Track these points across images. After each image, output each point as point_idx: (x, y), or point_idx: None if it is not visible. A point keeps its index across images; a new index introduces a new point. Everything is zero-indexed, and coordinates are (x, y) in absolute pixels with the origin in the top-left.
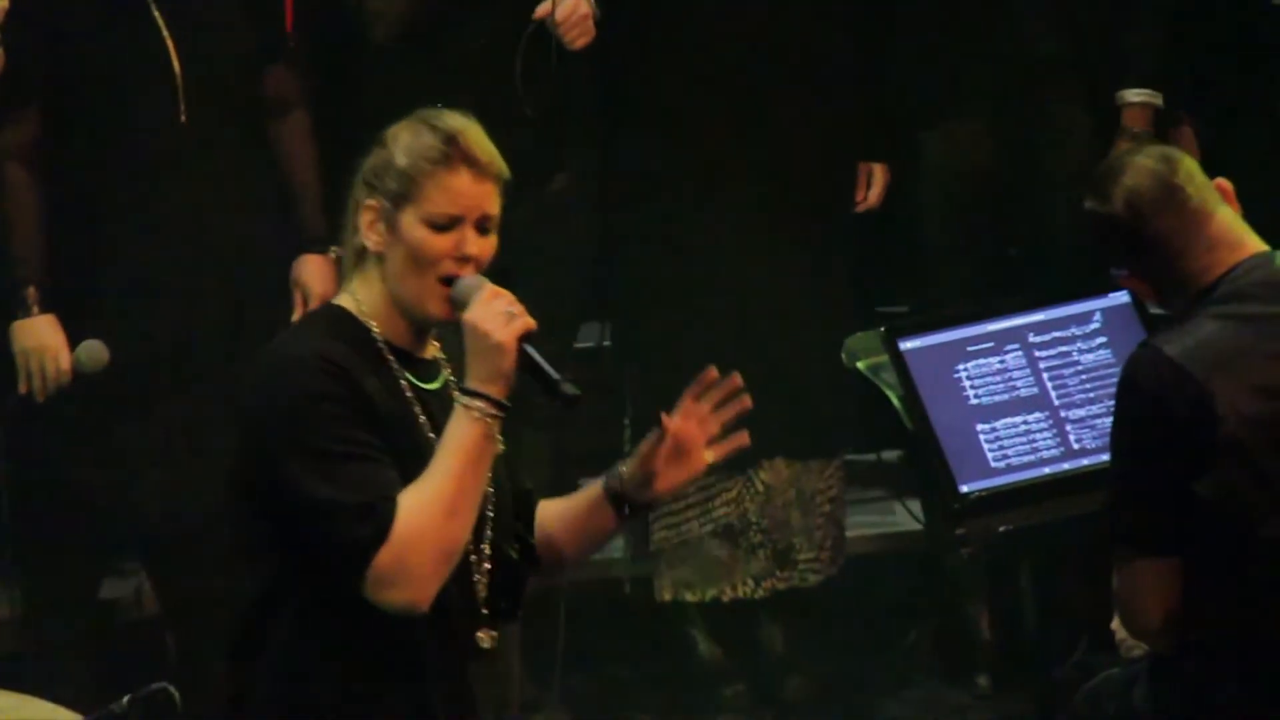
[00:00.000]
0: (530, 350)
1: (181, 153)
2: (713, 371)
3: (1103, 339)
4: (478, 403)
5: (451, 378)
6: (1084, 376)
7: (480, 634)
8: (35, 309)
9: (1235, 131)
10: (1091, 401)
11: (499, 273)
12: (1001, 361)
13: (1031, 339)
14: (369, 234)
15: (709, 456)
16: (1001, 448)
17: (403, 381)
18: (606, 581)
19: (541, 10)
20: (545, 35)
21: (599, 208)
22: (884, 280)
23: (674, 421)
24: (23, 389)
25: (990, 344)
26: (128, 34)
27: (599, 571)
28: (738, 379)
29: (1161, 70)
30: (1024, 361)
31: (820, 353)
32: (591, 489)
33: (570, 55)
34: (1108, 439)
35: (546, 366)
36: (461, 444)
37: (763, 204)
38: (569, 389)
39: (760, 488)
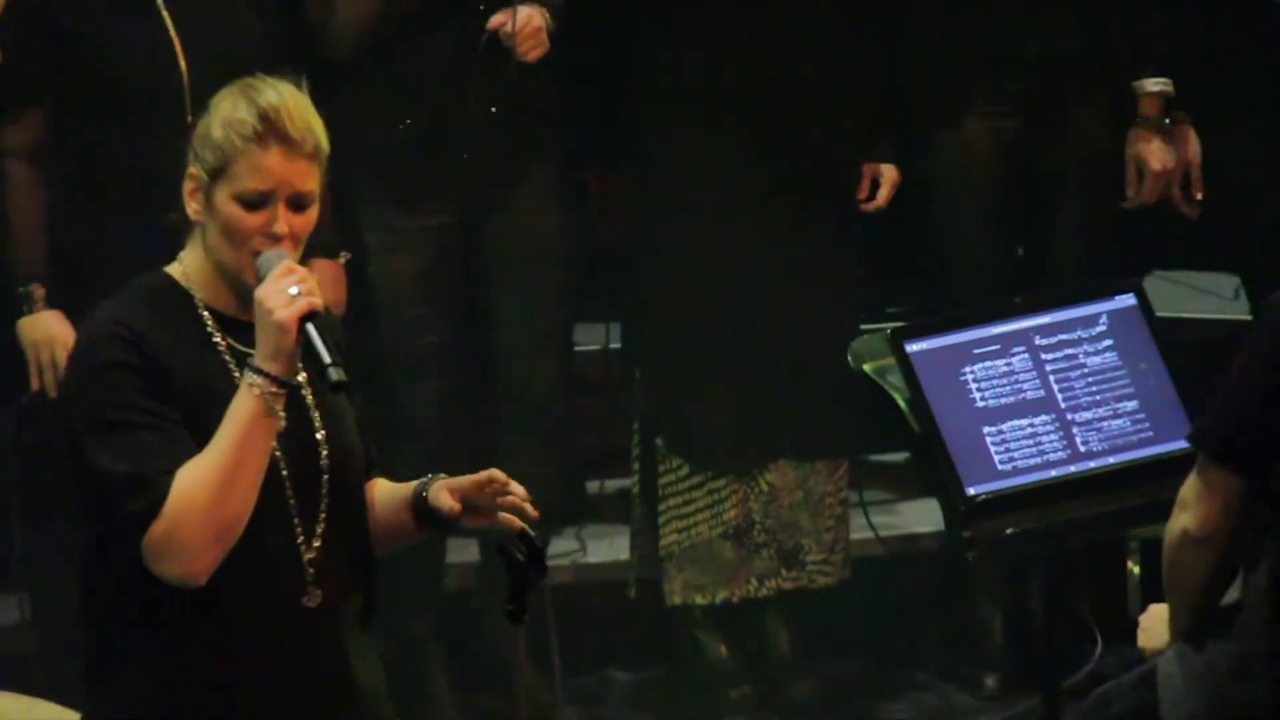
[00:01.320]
0: (310, 330)
1: (186, 155)
2: (499, 479)
3: (1109, 342)
4: (258, 379)
5: None
6: (1090, 379)
7: (307, 597)
8: (40, 306)
9: (1236, 130)
10: (1098, 404)
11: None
12: (1008, 364)
13: (1038, 341)
14: (190, 202)
15: (502, 516)
16: (1008, 450)
17: (221, 347)
18: (611, 585)
19: (494, 22)
20: (500, 47)
21: (596, 210)
22: (892, 282)
23: (466, 492)
24: (35, 385)
25: (996, 346)
26: (135, 33)
27: (605, 574)
28: (532, 513)
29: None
30: (1030, 364)
31: (827, 354)
32: (407, 487)
33: (533, 65)
34: (1114, 441)
35: (321, 350)
36: (239, 420)
37: (769, 206)
38: (335, 375)
39: (765, 488)
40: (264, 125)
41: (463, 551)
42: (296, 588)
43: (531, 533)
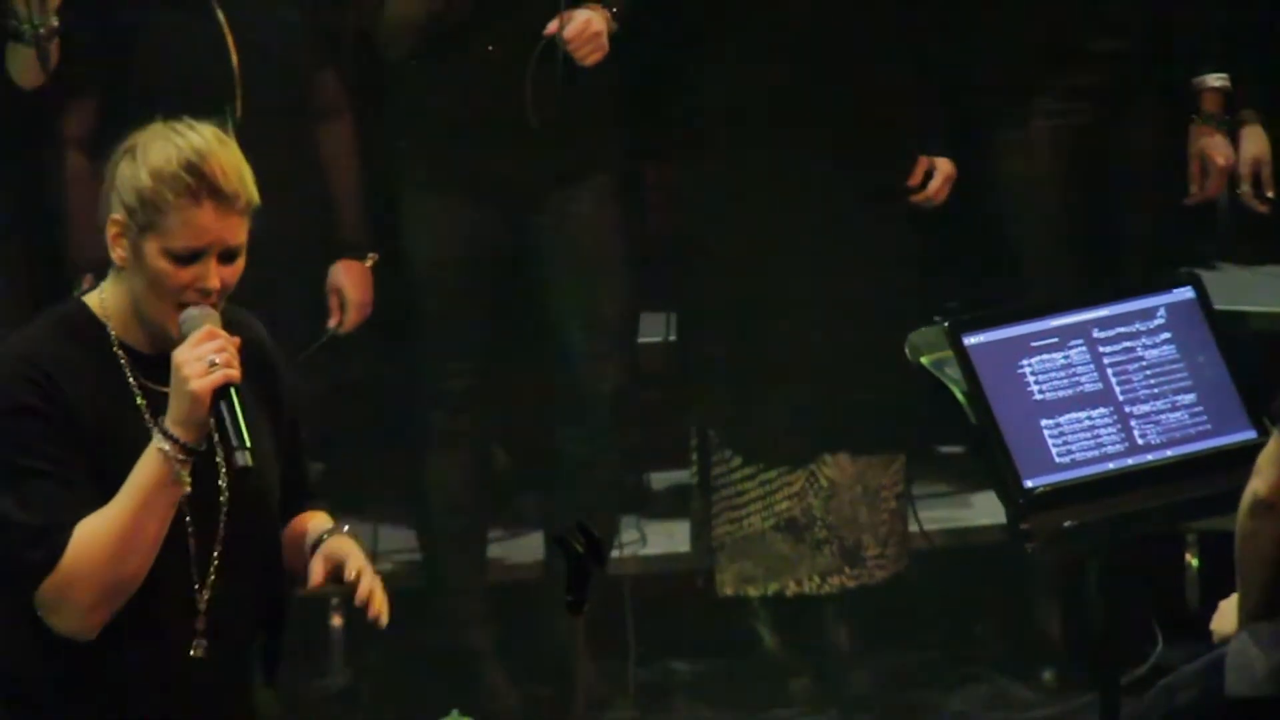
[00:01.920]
0: (224, 404)
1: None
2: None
3: (1166, 335)
4: (166, 444)
5: None
6: (1148, 372)
7: (193, 648)
8: None
9: None
10: (1155, 397)
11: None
12: (1065, 357)
13: (1095, 334)
14: (114, 247)
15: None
16: (1066, 443)
17: (133, 384)
18: (673, 576)
19: (551, 27)
20: (555, 51)
21: (653, 203)
22: (951, 275)
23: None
24: None
25: (1054, 339)
26: (188, 27)
27: (665, 566)
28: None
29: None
30: (1088, 357)
31: (883, 347)
32: (316, 533)
33: (590, 68)
34: (1172, 434)
35: (232, 428)
36: (142, 483)
37: (826, 199)
38: (241, 459)
39: (824, 483)
40: (196, 180)
41: (525, 543)
42: (185, 638)
43: (592, 531)
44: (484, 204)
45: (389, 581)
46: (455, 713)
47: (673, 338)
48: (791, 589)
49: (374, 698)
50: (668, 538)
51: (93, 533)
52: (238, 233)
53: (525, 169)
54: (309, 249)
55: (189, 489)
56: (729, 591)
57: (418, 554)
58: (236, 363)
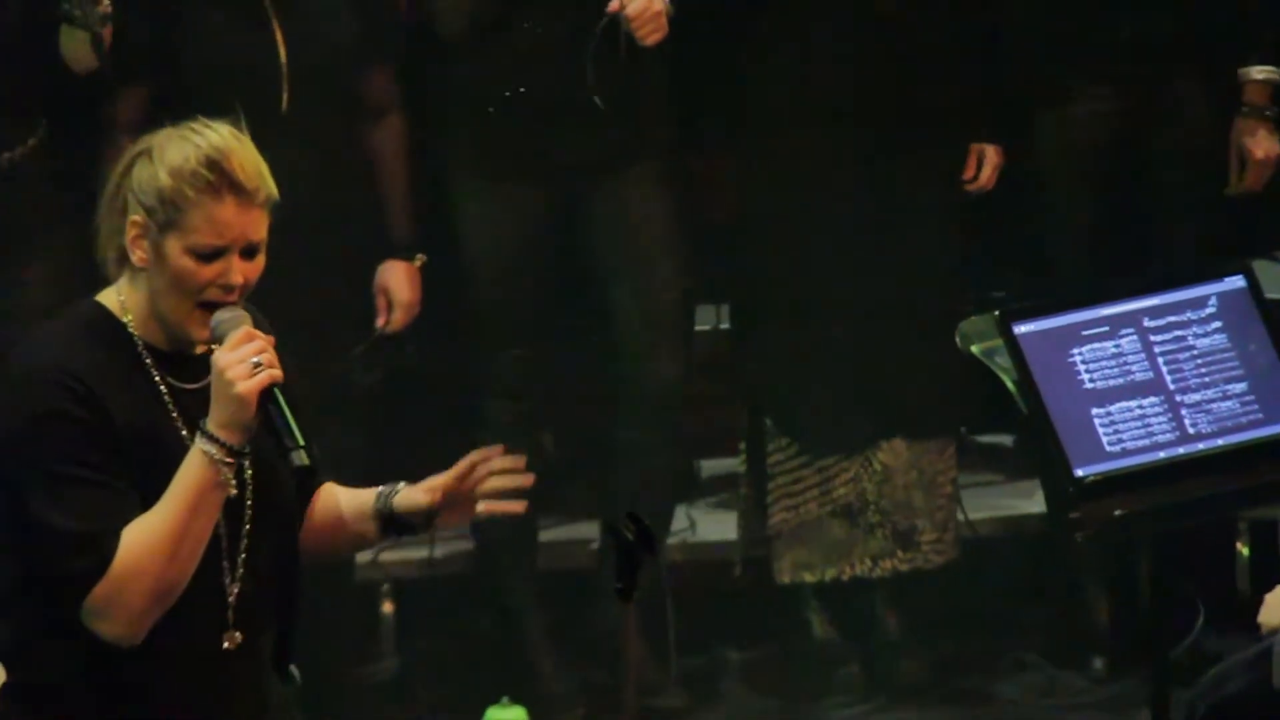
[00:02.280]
0: (272, 407)
1: (279, 144)
2: (496, 457)
3: (1218, 324)
4: (211, 448)
5: None
6: (1199, 361)
7: (226, 639)
8: None
9: None
10: (1207, 386)
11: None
12: (1116, 346)
13: (1146, 323)
14: (134, 248)
15: (481, 508)
16: (1116, 432)
17: (159, 383)
18: (722, 564)
19: (614, 5)
20: (616, 30)
21: (706, 191)
22: (1000, 263)
23: (447, 484)
24: None
25: (1105, 328)
26: (238, 20)
27: (715, 553)
28: (525, 478)
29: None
30: (1139, 346)
31: (935, 334)
32: (364, 498)
33: (646, 49)
34: (1223, 423)
35: (285, 428)
36: (188, 487)
37: (877, 186)
38: (299, 459)
39: (878, 467)
40: (217, 176)
41: (577, 530)
42: (218, 630)
43: (641, 519)
44: (537, 189)
45: (441, 568)
46: (505, 699)
47: (723, 325)
48: (847, 573)
49: (424, 684)
50: (717, 525)
51: (141, 538)
52: (259, 228)
53: (579, 153)
54: (357, 247)
55: (234, 491)
56: (785, 579)
57: (469, 541)
58: (277, 362)
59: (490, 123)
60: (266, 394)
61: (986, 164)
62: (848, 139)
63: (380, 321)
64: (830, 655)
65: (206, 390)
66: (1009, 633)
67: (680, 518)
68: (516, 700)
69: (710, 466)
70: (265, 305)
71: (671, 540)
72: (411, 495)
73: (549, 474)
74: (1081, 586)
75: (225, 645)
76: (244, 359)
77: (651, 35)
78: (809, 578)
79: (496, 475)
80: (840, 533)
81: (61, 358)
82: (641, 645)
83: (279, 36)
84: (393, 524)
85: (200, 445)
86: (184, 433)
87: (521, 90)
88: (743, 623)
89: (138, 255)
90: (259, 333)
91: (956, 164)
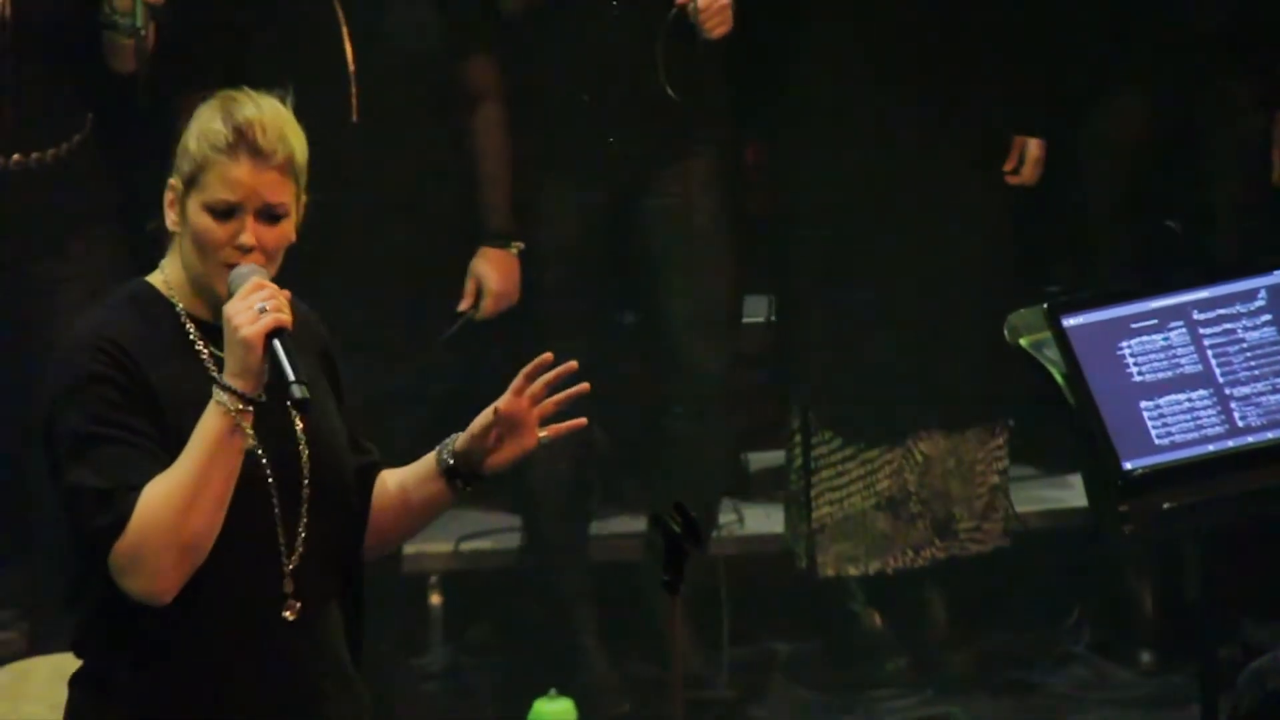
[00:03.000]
0: (276, 345)
1: (351, 152)
2: (548, 355)
3: (1267, 316)
4: (225, 396)
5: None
6: (1249, 354)
7: (286, 609)
8: None
9: None
10: (1256, 379)
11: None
12: (1165, 339)
13: (1195, 316)
14: (168, 213)
15: (542, 434)
16: (1165, 425)
17: (203, 354)
18: (769, 556)
19: None
20: (683, 23)
21: (753, 183)
22: (1047, 255)
23: (505, 401)
24: None
25: (1154, 321)
26: (306, 18)
27: (763, 546)
28: (573, 365)
29: None
30: (1188, 338)
31: (981, 324)
32: (426, 462)
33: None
34: (1273, 417)
35: (285, 365)
36: (205, 437)
37: (923, 179)
38: (299, 391)
39: (919, 458)
40: (235, 137)
41: (627, 523)
42: (277, 602)
43: (689, 511)
44: (593, 182)
45: (491, 560)
46: (553, 691)
47: (774, 318)
48: (891, 566)
49: (472, 676)
50: (766, 518)
51: (159, 492)
52: (276, 191)
53: (636, 146)
54: (444, 239)
55: (252, 441)
56: (830, 573)
57: (520, 533)
58: (287, 309)
59: (552, 117)
60: (274, 336)
61: (1028, 158)
62: (893, 131)
63: (464, 305)
64: (878, 648)
65: None
66: (1057, 625)
67: (728, 511)
68: (564, 692)
69: (759, 459)
70: (349, 300)
71: (720, 533)
72: (469, 434)
73: (600, 467)
74: (1129, 580)
75: (285, 614)
76: (250, 305)
77: (718, 28)
78: (853, 571)
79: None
80: (884, 526)
81: (99, 325)
82: (689, 638)
83: (345, 35)
84: (458, 474)
85: (215, 396)
86: None
87: (583, 84)
88: (790, 615)
89: (170, 219)
90: (269, 283)
91: (1001, 157)
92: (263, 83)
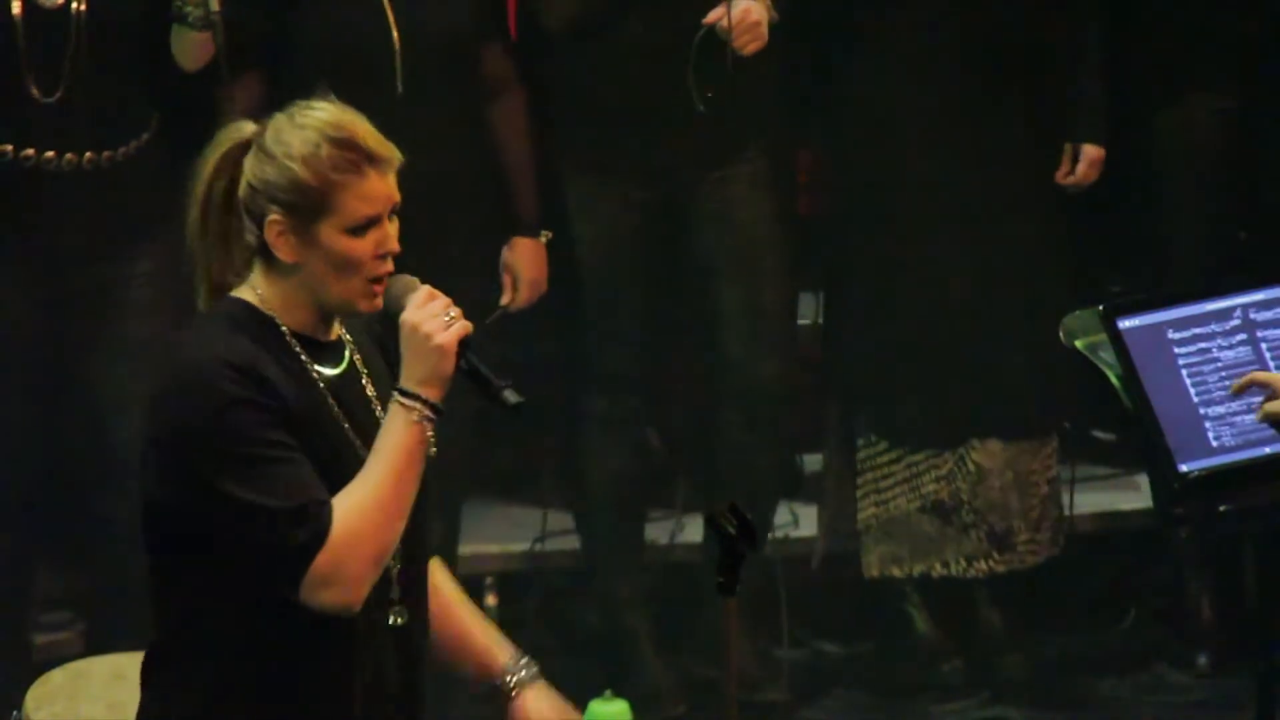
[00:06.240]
0: (470, 355)
1: (393, 127)
2: None
3: None
4: (415, 404)
5: (357, 358)
6: None
7: (394, 615)
8: None
9: None
10: None
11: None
12: (1222, 340)
13: (1252, 317)
14: (278, 245)
15: None
16: (1222, 427)
17: (310, 367)
18: (825, 558)
19: (713, 16)
20: (713, 41)
21: (803, 185)
22: (1107, 259)
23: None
24: None
25: (1210, 322)
26: (351, 3)
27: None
28: None
29: None
30: (1245, 339)
31: (1035, 331)
32: (497, 653)
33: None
34: None
35: (487, 372)
36: (397, 446)
37: (978, 181)
38: (511, 396)
39: (972, 468)
40: (353, 153)
41: (682, 526)
42: (387, 607)
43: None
44: (643, 188)
45: (549, 562)
46: (608, 693)
47: (820, 321)
48: (937, 570)
49: None
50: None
51: (356, 504)
52: (395, 187)
53: (683, 154)
54: (479, 227)
55: (434, 450)
56: (875, 573)
57: (575, 536)
58: (463, 315)
59: (597, 121)
60: (464, 344)
61: (1082, 161)
62: (945, 133)
63: (505, 299)
64: (933, 651)
65: (349, 374)
66: (1113, 628)
67: (783, 512)
68: (620, 695)
69: (813, 461)
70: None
71: (774, 535)
72: (538, 708)
73: (654, 470)
74: (1186, 582)
75: (393, 621)
76: (436, 314)
77: (750, 45)
78: (897, 572)
79: None
80: (930, 529)
81: (224, 351)
82: (745, 641)
83: (391, 18)
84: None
85: (401, 405)
86: (338, 413)
87: (624, 95)
88: (844, 618)
89: (284, 253)
90: (439, 292)
91: (1056, 160)
92: (312, 63)
